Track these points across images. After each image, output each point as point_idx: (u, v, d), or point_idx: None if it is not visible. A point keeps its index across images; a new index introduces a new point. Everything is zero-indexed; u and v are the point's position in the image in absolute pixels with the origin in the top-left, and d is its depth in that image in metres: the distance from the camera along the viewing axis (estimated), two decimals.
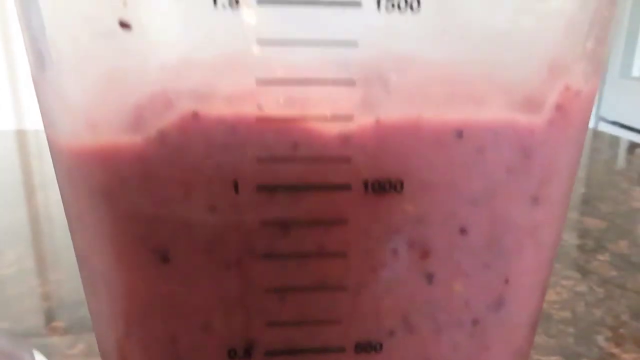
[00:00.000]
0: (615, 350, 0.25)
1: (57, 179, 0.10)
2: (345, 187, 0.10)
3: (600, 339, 0.26)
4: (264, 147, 0.09)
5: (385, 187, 0.10)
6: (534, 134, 0.10)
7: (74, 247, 0.11)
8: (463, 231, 0.10)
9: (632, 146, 0.69)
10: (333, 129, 0.09)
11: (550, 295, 0.30)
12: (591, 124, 0.89)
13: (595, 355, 0.25)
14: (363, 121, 0.09)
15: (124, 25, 0.08)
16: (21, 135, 0.78)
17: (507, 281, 0.11)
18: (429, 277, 0.11)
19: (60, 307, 0.29)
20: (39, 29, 0.09)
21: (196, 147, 0.09)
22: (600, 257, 0.36)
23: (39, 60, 0.09)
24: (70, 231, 0.11)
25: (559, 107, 0.10)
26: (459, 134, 0.10)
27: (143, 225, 0.10)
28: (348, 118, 0.09)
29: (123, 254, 0.10)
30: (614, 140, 0.75)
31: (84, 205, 0.10)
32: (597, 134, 0.80)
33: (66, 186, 0.10)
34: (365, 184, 0.10)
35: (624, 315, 0.28)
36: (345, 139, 0.09)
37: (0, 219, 0.42)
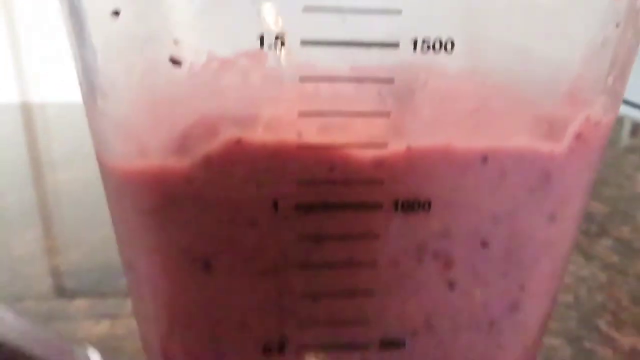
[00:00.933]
0: (615, 334, 0.26)
1: (107, 195, 0.11)
2: (377, 206, 0.10)
3: (602, 323, 0.27)
4: (303, 170, 0.10)
5: (414, 206, 0.11)
6: (554, 160, 0.10)
7: (120, 253, 0.12)
8: (484, 244, 0.11)
9: (636, 127, 0.69)
10: (367, 154, 0.10)
11: None
12: None
13: (596, 338, 0.26)
14: (395, 148, 0.10)
15: (175, 62, 0.09)
16: (26, 109, 0.78)
17: (522, 288, 0.12)
18: (451, 285, 0.12)
19: (80, 286, 0.30)
20: (92, 61, 0.10)
21: (239, 171, 0.10)
22: (603, 242, 0.37)
23: (91, 89, 0.10)
24: (117, 240, 0.12)
25: (579, 136, 0.10)
26: (484, 159, 0.10)
27: (188, 238, 0.11)
28: (382, 145, 0.10)
29: (168, 263, 0.11)
30: (618, 120, 0.75)
31: (132, 221, 0.11)
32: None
33: (115, 203, 0.11)
34: (396, 204, 0.10)
35: (624, 300, 0.29)
36: (379, 164, 0.10)
37: (11, 199, 0.43)
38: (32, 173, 0.52)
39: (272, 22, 0.09)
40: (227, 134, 0.10)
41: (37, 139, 0.63)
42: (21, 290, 0.30)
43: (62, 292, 0.30)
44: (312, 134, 0.10)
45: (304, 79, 0.09)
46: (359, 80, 0.09)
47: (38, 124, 0.70)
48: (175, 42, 0.09)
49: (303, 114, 0.09)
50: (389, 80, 0.09)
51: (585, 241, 0.37)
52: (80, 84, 0.10)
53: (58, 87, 0.82)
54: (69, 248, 0.35)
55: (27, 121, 0.72)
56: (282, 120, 0.10)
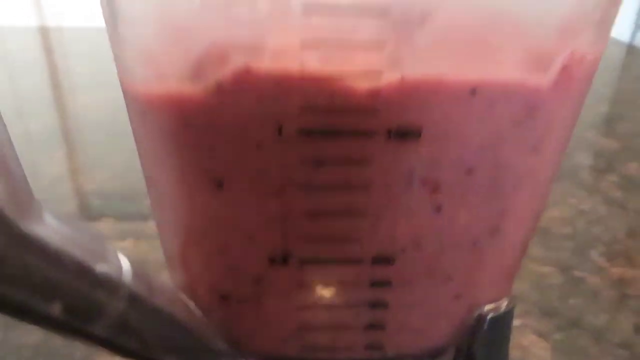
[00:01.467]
0: (605, 265, 0.28)
1: (129, 117, 0.12)
2: (371, 133, 0.11)
3: (594, 254, 0.29)
4: (305, 98, 0.11)
5: (405, 135, 0.11)
6: (539, 93, 0.11)
7: (143, 169, 0.14)
8: (469, 172, 0.12)
9: None
10: (364, 84, 0.11)
11: (554, 212, 0.33)
12: (627, 38, 0.85)
13: (587, 267, 0.27)
14: (390, 78, 0.11)
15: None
16: (44, 33, 0.78)
17: (503, 213, 0.13)
18: (438, 208, 0.13)
19: (104, 207, 0.33)
20: None
21: (248, 97, 0.11)
22: (609, 178, 0.37)
23: (113, 14, 0.11)
24: (140, 159, 0.13)
25: (565, 70, 0.11)
26: (473, 91, 0.11)
27: (202, 159, 0.12)
28: (377, 75, 0.11)
29: (186, 180, 0.12)
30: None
31: (152, 141, 0.12)
32: (631, 49, 0.76)
33: (137, 124, 0.12)
34: (389, 132, 0.11)
35: (619, 233, 0.31)
36: (374, 93, 0.11)
37: (35, 123, 0.45)
38: (54, 97, 0.53)
39: None
40: (237, 63, 0.11)
41: (57, 64, 0.64)
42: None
43: (87, 212, 0.32)
44: (313, 64, 0.11)
45: (307, 10, 0.10)
46: (358, 11, 0.10)
47: (56, 47, 0.71)
48: None
49: (305, 45, 0.10)
50: (386, 12, 0.10)
51: (590, 176, 0.37)
52: (103, 8, 0.11)
53: (74, 11, 0.81)
54: (93, 171, 0.37)
55: (46, 45, 0.73)
56: (287, 50, 0.11)
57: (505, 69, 0.11)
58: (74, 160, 0.39)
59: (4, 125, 0.10)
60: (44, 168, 0.36)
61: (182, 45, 0.11)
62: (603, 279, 0.27)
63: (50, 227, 0.10)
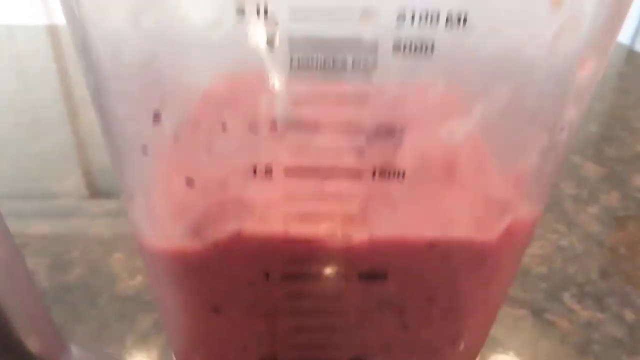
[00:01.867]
0: (576, 307, 0.30)
1: (142, 254, 0.14)
2: (345, 277, 0.14)
3: (567, 296, 0.31)
4: (288, 254, 0.13)
5: (373, 276, 0.14)
6: (487, 247, 0.13)
7: (152, 289, 0.16)
8: (429, 300, 0.14)
9: None
10: (338, 242, 0.13)
11: (534, 249, 0.35)
12: (628, 41, 0.84)
13: (558, 310, 0.30)
14: (360, 238, 0.13)
15: (190, 183, 0.12)
16: (53, 31, 0.78)
17: (460, 329, 0.15)
18: (404, 326, 0.15)
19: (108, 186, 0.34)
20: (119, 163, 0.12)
21: (239, 253, 0.13)
22: (590, 209, 0.39)
23: (129, 191, 0.13)
24: (150, 280, 0.15)
25: (508, 230, 0.13)
26: (431, 246, 0.13)
27: (203, 292, 0.14)
28: (349, 236, 0.13)
29: (188, 305, 0.15)
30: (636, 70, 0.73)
31: (161, 275, 0.14)
32: (631, 56, 0.76)
33: (149, 263, 0.14)
34: (359, 275, 0.14)
35: (593, 272, 0.33)
36: (347, 249, 0.13)
37: (41, 92, 0.47)
38: (62, 89, 0.55)
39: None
40: (230, 226, 0.13)
41: (67, 65, 0.65)
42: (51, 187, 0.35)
43: (92, 191, 0.35)
44: (295, 226, 0.13)
45: (288, 174, 0.12)
46: (333, 178, 0.12)
47: (66, 48, 0.72)
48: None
49: (288, 214, 0.12)
50: (354, 197, 0.12)
51: (572, 208, 0.39)
52: (123, 190, 0.13)
53: None
54: (99, 149, 0.39)
55: (56, 45, 0.74)
56: (271, 217, 0.13)
57: (458, 229, 0.13)
58: (79, 137, 0.41)
59: (36, 288, 0.12)
60: (46, 143, 0.38)
61: (184, 218, 0.13)
62: (572, 322, 0.29)
63: None
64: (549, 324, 0.29)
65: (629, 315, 0.30)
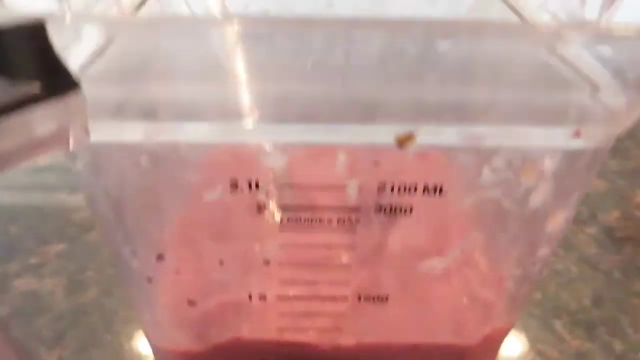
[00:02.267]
0: (567, 336, 0.31)
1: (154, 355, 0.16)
2: None
3: (558, 324, 0.32)
4: (282, 354, 0.14)
5: None
6: (466, 351, 0.14)
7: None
8: None
9: None
10: (328, 347, 0.14)
11: None
12: None
13: (548, 339, 0.31)
14: (347, 343, 0.14)
15: (191, 303, 0.13)
16: None
17: None
18: None
19: None
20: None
21: (239, 355, 0.14)
22: (588, 230, 0.40)
23: (137, 307, 0.14)
24: None
25: (485, 337, 0.14)
26: (414, 348, 0.14)
27: None
28: (337, 341, 0.14)
29: None
30: None
31: None
32: None
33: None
34: None
35: (586, 299, 0.34)
36: (336, 353, 0.14)
37: None
38: None
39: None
40: (229, 333, 0.14)
41: None
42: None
43: None
44: (288, 334, 0.14)
45: (281, 299, 0.13)
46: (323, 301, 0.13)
47: None
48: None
49: (281, 326, 0.14)
50: (342, 315, 0.13)
51: (571, 228, 0.40)
52: (128, 300, 0.14)
53: None
54: None
55: None
56: (267, 328, 0.14)
57: (439, 336, 0.14)
58: None
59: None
60: None
61: (185, 325, 0.14)
62: (562, 353, 0.30)
63: None
64: (540, 354, 0.30)
65: (618, 346, 0.31)
